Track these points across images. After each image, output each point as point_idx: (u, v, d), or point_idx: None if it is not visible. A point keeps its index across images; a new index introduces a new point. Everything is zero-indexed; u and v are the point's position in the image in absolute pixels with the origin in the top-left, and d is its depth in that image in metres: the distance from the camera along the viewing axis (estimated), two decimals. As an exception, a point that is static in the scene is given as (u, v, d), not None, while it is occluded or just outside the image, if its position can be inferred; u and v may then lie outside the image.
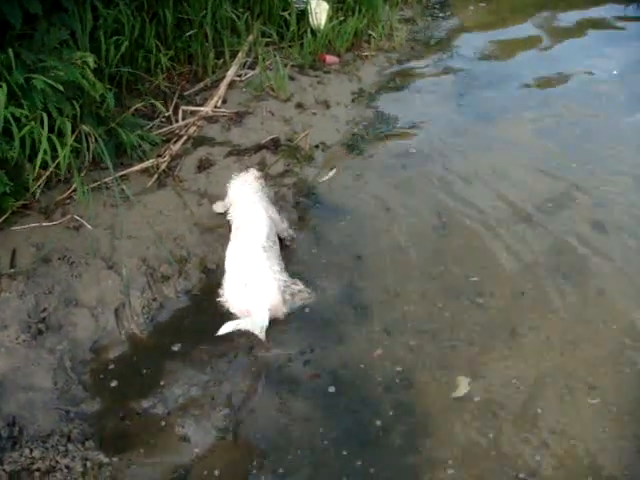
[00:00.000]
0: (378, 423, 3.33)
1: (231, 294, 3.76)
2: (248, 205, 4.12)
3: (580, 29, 7.75)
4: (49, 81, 4.10)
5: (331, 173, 5.07)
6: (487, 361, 3.66)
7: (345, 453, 3.20)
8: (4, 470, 3.01)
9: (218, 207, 4.47)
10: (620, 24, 7.89)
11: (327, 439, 3.26)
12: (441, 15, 7.97)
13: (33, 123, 4.10)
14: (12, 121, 3.99)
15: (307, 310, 3.91)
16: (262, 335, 3.51)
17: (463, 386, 3.54)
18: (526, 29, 7.73)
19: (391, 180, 5.08)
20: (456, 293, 4.09)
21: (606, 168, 5.15)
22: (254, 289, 3.67)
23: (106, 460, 3.10)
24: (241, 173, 4.45)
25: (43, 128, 4.11)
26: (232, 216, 4.17)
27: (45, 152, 4.17)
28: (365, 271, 4.24)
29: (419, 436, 3.28)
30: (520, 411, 3.38)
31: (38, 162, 4.18)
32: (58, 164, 4.31)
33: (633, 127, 5.72)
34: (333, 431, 3.29)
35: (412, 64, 6.90)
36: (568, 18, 8.07)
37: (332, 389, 3.50)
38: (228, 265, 3.89)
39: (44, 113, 4.13)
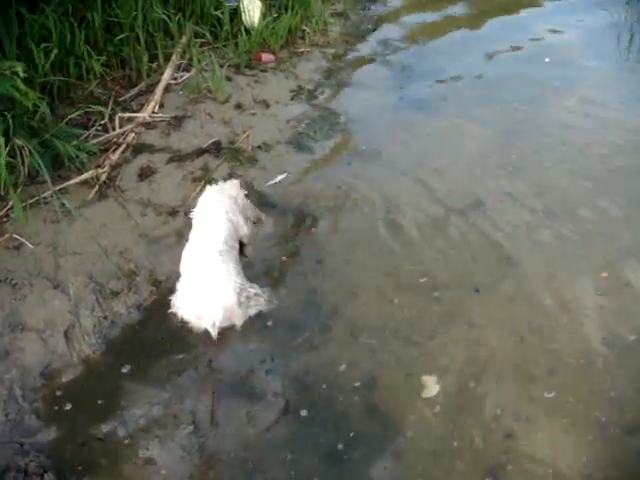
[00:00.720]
0: (347, 432, 3.29)
1: (184, 298, 3.67)
2: (209, 208, 4.02)
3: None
4: (-23, 94, 3.90)
5: (280, 177, 4.98)
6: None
7: (314, 464, 3.14)
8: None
9: None
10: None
11: (294, 451, 3.20)
12: (372, 7, 7.96)
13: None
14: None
15: (266, 316, 3.84)
16: (214, 332, 3.45)
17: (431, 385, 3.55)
18: (459, 11, 7.82)
19: (342, 179, 5.02)
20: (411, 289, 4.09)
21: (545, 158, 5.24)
22: (208, 291, 3.58)
23: (68, 492, 2.97)
24: (221, 182, 4.40)
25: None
26: (193, 218, 4.06)
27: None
28: (322, 273, 4.19)
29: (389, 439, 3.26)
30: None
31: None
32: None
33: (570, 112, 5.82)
34: (300, 442, 3.24)
35: (349, 58, 6.88)
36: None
37: (296, 397, 3.44)
38: (183, 268, 3.78)
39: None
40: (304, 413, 3.37)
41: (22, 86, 4.16)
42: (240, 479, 3.07)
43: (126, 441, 3.19)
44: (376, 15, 7.82)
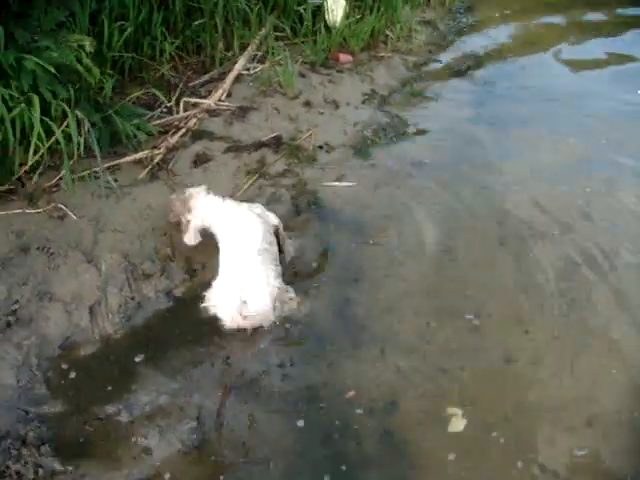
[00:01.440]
0: (355, 455, 3.14)
1: (219, 296, 3.61)
2: (233, 210, 3.93)
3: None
4: (40, 62, 3.94)
5: (339, 183, 4.83)
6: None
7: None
8: (-49, 472, 2.85)
9: (172, 217, 4.12)
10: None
11: (295, 465, 3.07)
12: (464, 20, 7.69)
13: (23, 105, 3.93)
14: (0, 102, 3.82)
15: (295, 321, 3.73)
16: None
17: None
18: (551, 39, 7.44)
19: (397, 189, 4.85)
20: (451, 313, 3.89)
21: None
22: (245, 293, 3.52)
23: (60, 468, 2.93)
24: (189, 189, 4.13)
25: (33, 110, 3.94)
26: (215, 223, 3.95)
27: (39, 136, 3.99)
28: (359, 285, 4.04)
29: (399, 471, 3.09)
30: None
31: (32, 147, 4.02)
32: (48, 149, 4.14)
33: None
34: (302, 457, 3.10)
35: (430, 68, 6.66)
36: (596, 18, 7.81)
37: (307, 409, 3.30)
38: (221, 264, 3.71)
39: (35, 95, 3.96)
40: (315, 426, 3.24)
41: (86, 60, 4.18)
42: (232, 484, 2.97)
43: (127, 426, 3.14)
44: (466, 26, 7.55)
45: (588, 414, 3.32)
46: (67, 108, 4.10)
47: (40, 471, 2.90)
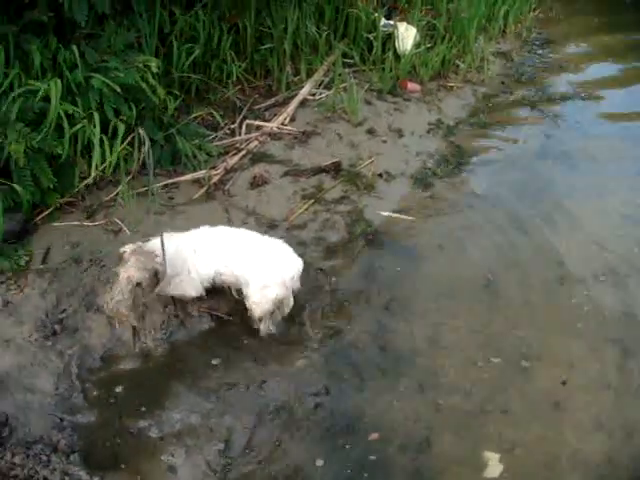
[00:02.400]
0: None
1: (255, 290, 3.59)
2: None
3: None
4: (107, 81, 4.08)
5: (397, 215, 4.77)
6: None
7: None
8: (-16, 472, 2.92)
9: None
10: None
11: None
12: (539, 52, 7.52)
13: (86, 122, 4.07)
14: (64, 118, 3.97)
15: (334, 348, 3.69)
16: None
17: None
18: (630, 79, 7.18)
19: (454, 221, 4.77)
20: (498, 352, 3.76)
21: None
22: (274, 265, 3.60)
23: (86, 478, 2.97)
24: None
25: (95, 127, 4.08)
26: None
27: (102, 151, 4.13)
28: (403, 315, 3.96)
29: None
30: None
31: (94, 162, 4.15)
32: (109, 165, 4.27)
33: None
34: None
35: (500, 99, 6.53)
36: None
37: (338, 440, 3.24)
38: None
39: (97, 113, 4.10)
40: (344, 460, 3.17)
41: (152, 81, 4.31)
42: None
43: (156, 442, 3.15)
44: (543, 60, 7.38)
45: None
46: (129, 126, 4.22)
47: (67, 479, 2.94)
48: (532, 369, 3.69)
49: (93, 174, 4.18)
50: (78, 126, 4.02)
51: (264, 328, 3.65)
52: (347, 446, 3.22)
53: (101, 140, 4.12)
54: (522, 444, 3.28)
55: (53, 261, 3.90)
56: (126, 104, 4.28)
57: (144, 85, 4.25)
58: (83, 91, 4.09)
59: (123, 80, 4.14)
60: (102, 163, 4.20)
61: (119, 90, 4.11)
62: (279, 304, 3.62)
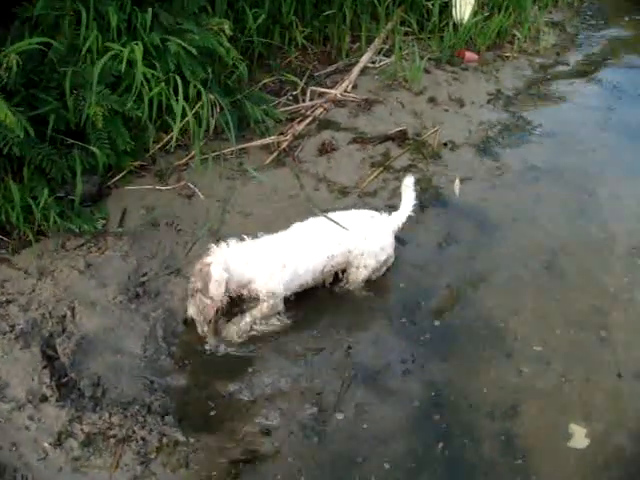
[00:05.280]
0: (473, 455, 3.06)
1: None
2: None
3: None
4: (184, 44, 4.02)
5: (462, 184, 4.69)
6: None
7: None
8: (82, 430, 2.92)
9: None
10: None
11: (411, 463, 3.01)
12: (592, 22, 7.36)
13: (163, 85, 4.02)
14: (143, 82, 3.92)
15: (418, 317, 3.68)
16: None
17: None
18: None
19: (521, 191, 4.70)
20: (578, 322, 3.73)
21: None
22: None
23: (183, 439, 2.96)
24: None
25: (175, 91, 4.03)
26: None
27: (183, 114, 4.07)
28: (484, 284, 3.94)
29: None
30: None
31: (176, 126, 4.09)
32: (180, 129, 4.22)
33: None
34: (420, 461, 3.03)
35: (556, 70, 6.39)
36: None
37: (427, 407, 3.24)
38: None
39: (177, 76, 4.05)
40: (433, 426, 3.17)
41: (226, 43, 4.25)
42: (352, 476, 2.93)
43: (248, 405, 3.14)
44: (596, 30, 7.22)
45: None
46: (203, 89, 4.17)
47: (164, 440, 2.94)
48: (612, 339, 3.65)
49: (175, 137, 4.14)
50: (156, 89, 3.96)
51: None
52: (440, 409, 3.22)
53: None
54: (607, 416, 3.26)
55: (129, 224, 3.88)
56: (200, 67, 4.22)
57: (220, 48, 4.19)
58: (160, 54, 4.03)
59: (199, 43, 4.08)
60: (175, 127, 4.15)
61: (196, 53, 4.05)
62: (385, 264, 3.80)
